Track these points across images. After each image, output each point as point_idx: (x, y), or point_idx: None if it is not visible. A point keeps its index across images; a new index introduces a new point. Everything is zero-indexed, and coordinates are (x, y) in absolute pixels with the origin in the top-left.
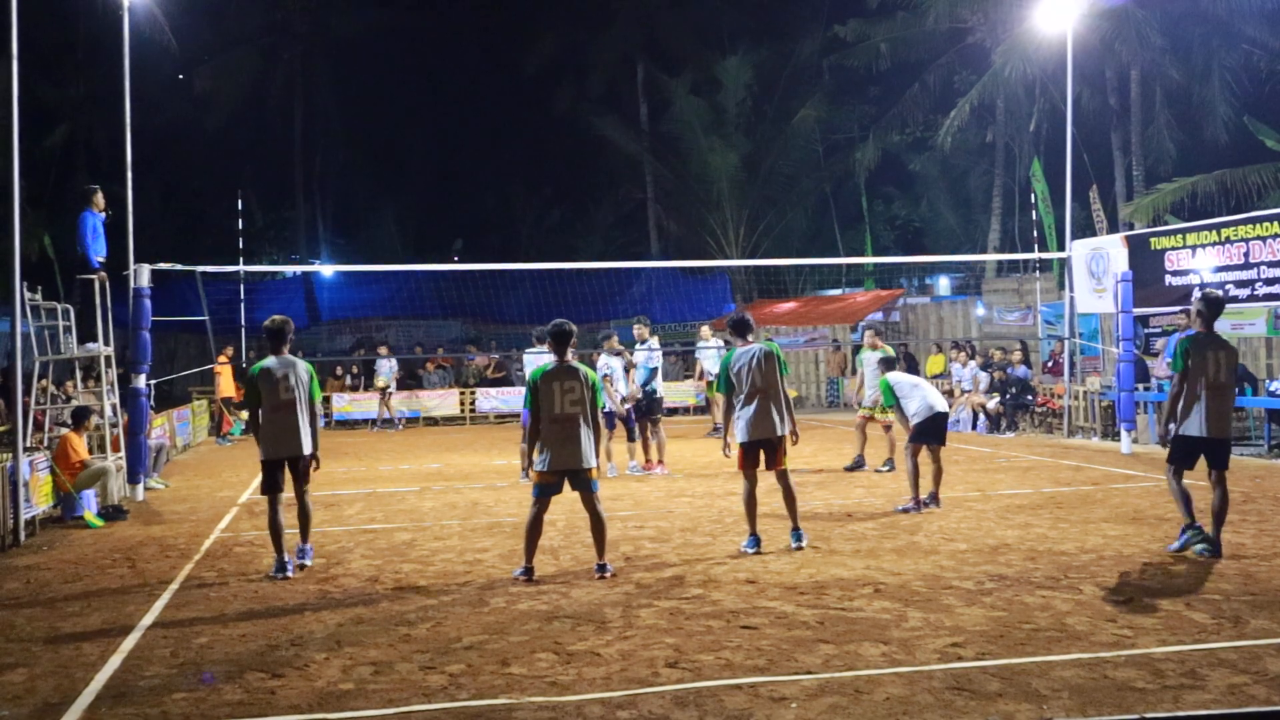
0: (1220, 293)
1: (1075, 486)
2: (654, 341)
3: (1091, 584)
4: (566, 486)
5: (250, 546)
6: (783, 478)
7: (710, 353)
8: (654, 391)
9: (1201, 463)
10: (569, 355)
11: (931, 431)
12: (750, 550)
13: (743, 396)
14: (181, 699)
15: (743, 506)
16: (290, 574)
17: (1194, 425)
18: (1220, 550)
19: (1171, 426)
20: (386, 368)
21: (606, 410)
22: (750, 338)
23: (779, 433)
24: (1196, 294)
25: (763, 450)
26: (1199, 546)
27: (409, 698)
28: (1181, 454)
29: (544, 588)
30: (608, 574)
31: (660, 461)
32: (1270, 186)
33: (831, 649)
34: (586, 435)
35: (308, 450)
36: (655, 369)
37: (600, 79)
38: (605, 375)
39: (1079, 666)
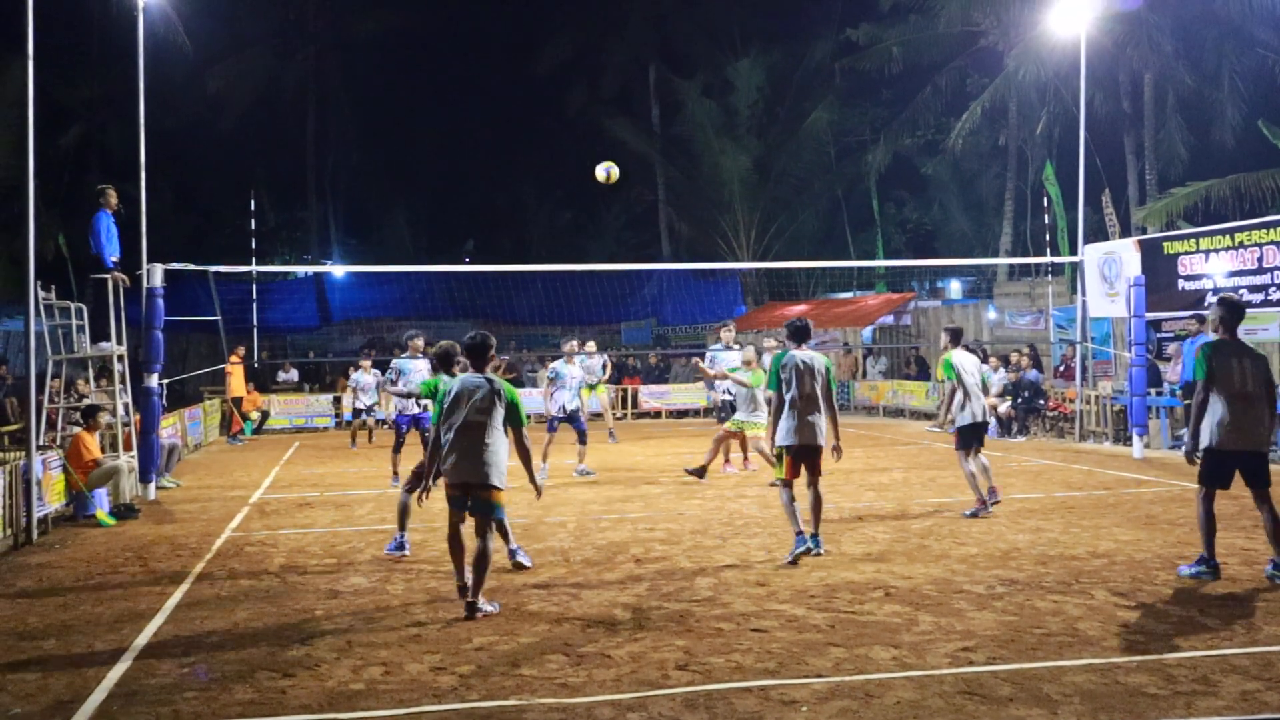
0: (1239, 296)
1: (1087, 491)
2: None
3: (1103, 589)
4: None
5: (261, 546)
6: (814, 485)
7: (733, 356)
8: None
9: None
10: (487, 369)
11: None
12: (798, 551)
13: (789, 400)
14: (193, 697)
15: (785, 512)
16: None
17: (1220, 438)
18: (1218, 569)
19: (1189, 439)
20: (371, 383)
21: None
22: (805, 345)
23: (820, 443)
24: (1211, 299)
25: (804, 458)
26: (1269, 569)
27: (419, 698)
28: (1212, 471)
29: (554, 589)
30: (478, 615)
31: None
32: None
33: (842, 652)
34: (493, 450)
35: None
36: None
37: (612, 81)
38: (551, 378)
39: (1090, 671)
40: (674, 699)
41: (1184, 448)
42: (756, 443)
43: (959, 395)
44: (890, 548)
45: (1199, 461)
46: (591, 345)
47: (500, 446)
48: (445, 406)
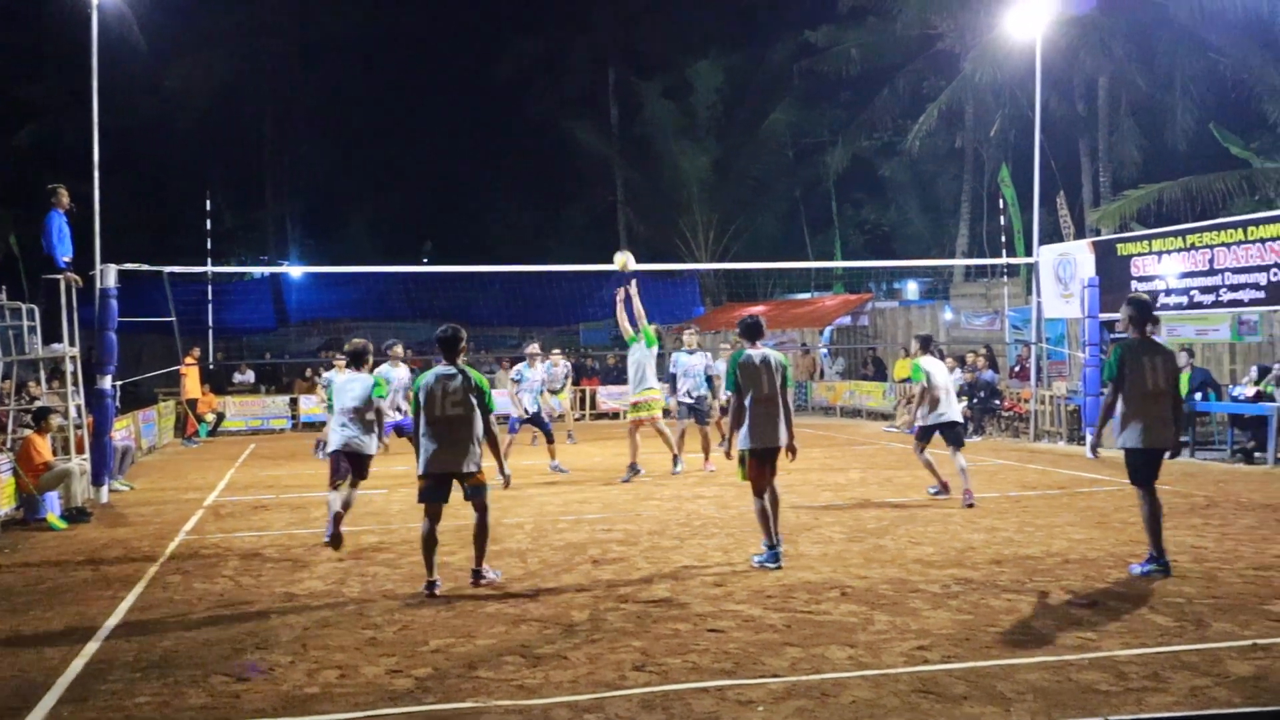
0: (1147, 296)
1: (1041, 490)
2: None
3: (1057, 587)
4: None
5: (216, 549)
6: (772, 486)
7: (695, 360)
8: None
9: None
10: (458, 360)
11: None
12: (771, 565)
13: (749, 400)
14: (145, 703)
15: (758, 518)
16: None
17: (1143, 437)
18: (1168, 567)
19: (1094, 436)
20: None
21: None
22: (760, 343)
23: (780, 443)
24: (1164, 300)
25: (767, 459)
26: (1145, 568)
27: (375, 701)
28: (1142, 470)
29: (511, 591)
30: (483, 581)
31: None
32: (1235, 193)
33: (798, 652)
34: (472, 438)
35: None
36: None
37: (573, 82)
38: (515, 380)
39: (1044, 669)
40: (631, 700)
41: (1089, 442)
42: (657, 422)
43: (929, 399)
44: (847, 548)
45: (1098, 457)
46: (557, 353)
47: (475, 434)
48: (422, 399)
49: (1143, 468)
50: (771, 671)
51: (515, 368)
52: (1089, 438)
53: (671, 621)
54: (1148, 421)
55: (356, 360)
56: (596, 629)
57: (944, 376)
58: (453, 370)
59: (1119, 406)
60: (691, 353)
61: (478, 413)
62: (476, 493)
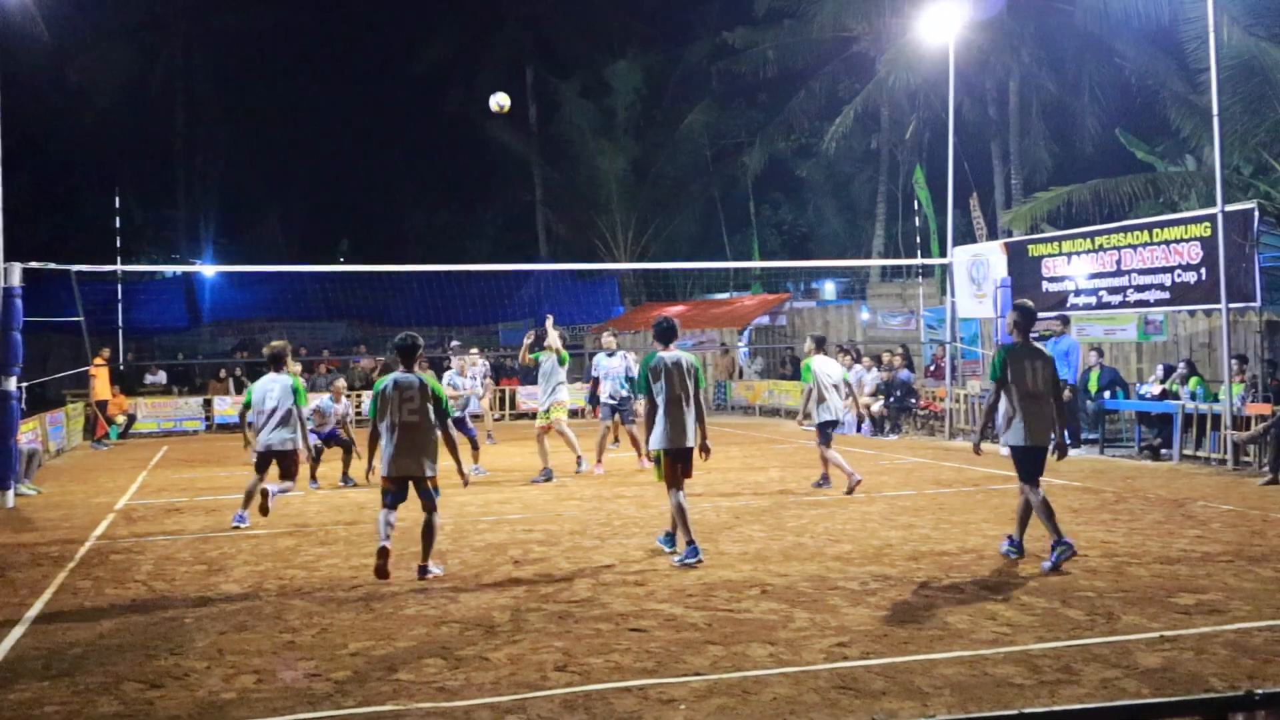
0: (1031, 302)
1: (956, 488)
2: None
3: (972, 583)
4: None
5: (128, 553)
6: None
7: (615, 362)
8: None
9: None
10: (415, 367)
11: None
12: (692, 561)
13: (662, 402)
14: (54, 711)
15: (675, 516)
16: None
17: (1028, 436)
18: (1023, 549)
19: (977, 433)
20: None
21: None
22: (673, 345)
23: (690, 444)
24: (1074, 300)
25: (681, 460)
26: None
27: (294, 706)
28: (1029, 466)
29: (431, 593)
30: (428, 575)
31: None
32: (1141, 196)
33: (720, 650)
34: (428, 443)
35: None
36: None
37: (489, 81)
38: (447, 385)
39: (960, 664)
40: (553, 700)
41: (973, 440)
42: (559, 424)
43: (815, 395)
44: (767, 546)
45: (983, 453)
46: (474, 353)
47: (432, 439)
48: (379, 404)
49: (1029, 464)
50: (693, 670)
51: (447, 374)
52: (974, 435)
53: (593, 621)
54: (1030, 420)
55: (276, 363)
56: (518, 630)
57: (834, 376)
58: (410, 378)
59: (1002, 406)
60: (611, 354)
61: (431, 419)
62: (428, 495)
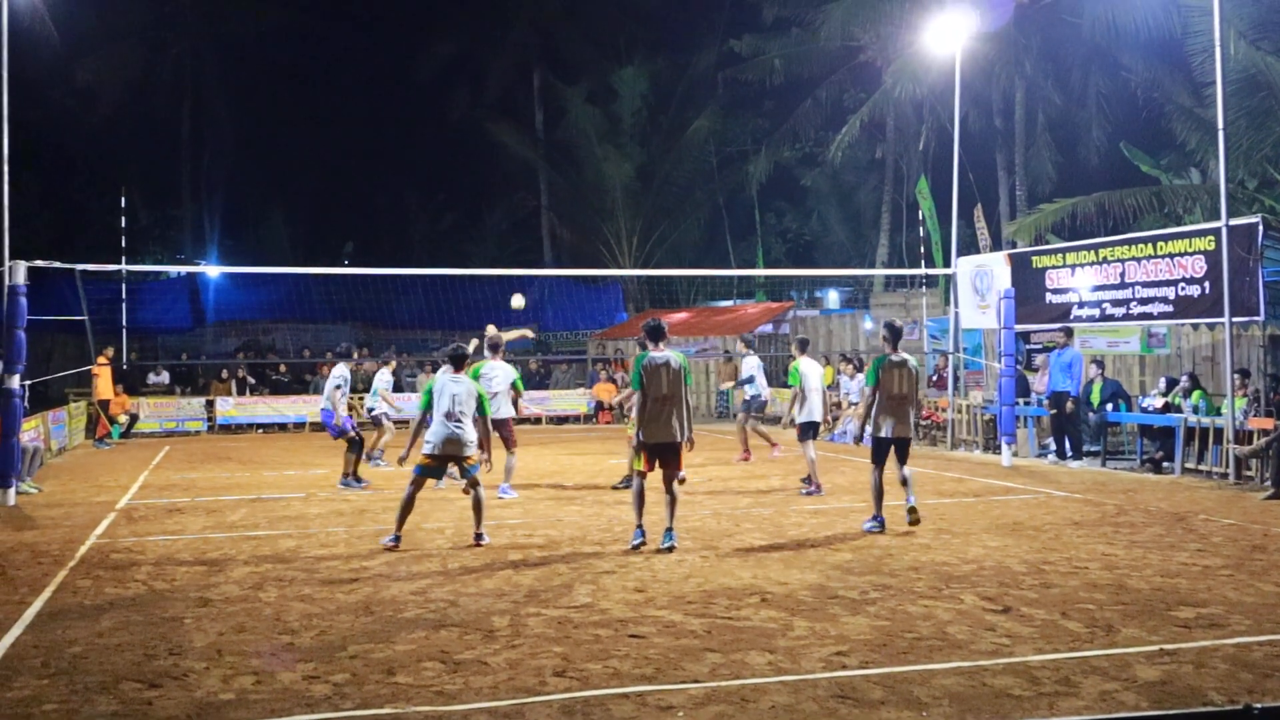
0: (900, 321)
1: (957, 498)
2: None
3: (972, 594)
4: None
5: (128, 553)
6: (672, 483)
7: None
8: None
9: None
10: (464, 371)
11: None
12: (636, 542)
13: (650, 398)
14: (52, 710)
15: (632, 501)
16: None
17: (887, 429)
18: (917, 513)
19: (867, 429)
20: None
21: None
22: (663, 345)
23: (677, 439)
24: (1078, 312)
25: (659, 454)
26: (870, 524)
27: (292, 708)
28: (880, 453)
29: (431, 596)
30: (483, 543)
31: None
32: (1145, 209)
33: (718, 658)
34: (470, 430)
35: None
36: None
37: (496, 85)
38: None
39: (959, 674)
40: (551, 706)
41: (854, 433)
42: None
43: (801, 397)
44: (767, 554)
45: (872, 446)
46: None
47: (471, 427)
48: (435, 399)
49: (881, 452)
50: (691, 677)
51: (379, 376)
52: (865, 430)
53: (592, 627)
54: (894, 418)
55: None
56: (517, 634)
57: (817, 378)
58: (465, 380)
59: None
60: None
61: (473, 412)
62: (470, 471)
